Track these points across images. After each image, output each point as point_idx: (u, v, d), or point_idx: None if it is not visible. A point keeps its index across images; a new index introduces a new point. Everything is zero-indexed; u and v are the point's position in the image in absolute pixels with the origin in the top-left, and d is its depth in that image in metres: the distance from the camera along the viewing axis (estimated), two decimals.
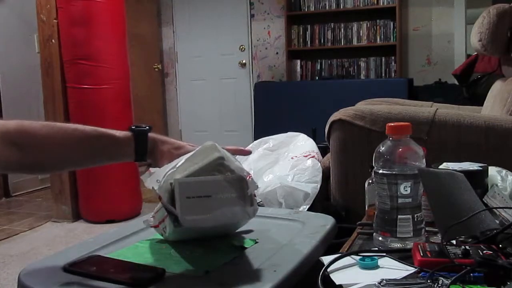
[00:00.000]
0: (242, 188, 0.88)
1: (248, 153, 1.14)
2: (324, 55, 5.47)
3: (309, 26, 5.47)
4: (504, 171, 1.19)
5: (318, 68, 5.50)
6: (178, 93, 6.25)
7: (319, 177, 1.76)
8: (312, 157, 1.88)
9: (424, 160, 0.90)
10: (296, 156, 1.88)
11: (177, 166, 0.88)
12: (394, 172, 0.88)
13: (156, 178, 0.88)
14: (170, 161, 0.95)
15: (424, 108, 1.68)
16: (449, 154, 1.49)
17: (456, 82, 4.50)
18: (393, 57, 5.14)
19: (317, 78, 5.45)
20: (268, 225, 1.11)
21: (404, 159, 0.88)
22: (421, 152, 0.90)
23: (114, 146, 1.01)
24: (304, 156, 1.86)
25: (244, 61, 5.88)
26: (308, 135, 2.27)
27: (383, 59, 5.21)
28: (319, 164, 1.84)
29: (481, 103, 2.30)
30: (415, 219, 0.88)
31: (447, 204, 0.93)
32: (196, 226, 0.85)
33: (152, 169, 0.96)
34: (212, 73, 6.02)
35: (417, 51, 5.23)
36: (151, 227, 1.02)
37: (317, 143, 2.37)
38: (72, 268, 0.83)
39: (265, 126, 5.07)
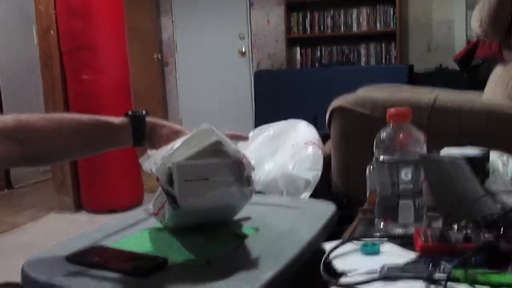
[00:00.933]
0: (239, 170, 0.90)
1: (246, 138, 1.15)
2: (324, 42, 5.44)
3: (308, 13, 5.44)
4: (505, 156, 1.19)
5: (318, 55, 5.47)
6: (178, 83, 6.23)
7: (320, 165, 1.76)
8: (313, 144, 1.87)
9: (425, 146, 0.90)
10: (297, 144, 1.88)
11: (174, 148, 0.89)
12: (395, 159, 0.88)
13: (153, 161, 0.90)
14: (168, 144, 0.95)
15: (425, 94, 1.67)
16: (450, 139, 1.48)
17: (457, 68, 4.49)
18: (393, 44, 5.12)
19: (317, 65, 5.43)
20: (269, 213, 1.11)
21: (405, 145, 0.88)
22: (422, 138, 0.90)
23: (112, 133, 1.02)
24: (305, 144, 1.86)
25: (243, 50, 5.86)
26: (309, 123, 2.25)
27: (383, 46, 5.19)
28: (320, 151, 1.84)
29: (482, 89, 2.29)
30: (417, 205, 0.89)
31: (448, 189, 0.92)
32: (194, 208, 0.87)
33: (150, 152, 0.97)
34: (211, 62, 6.00)
35: (417, 37, 5.20)
36: (151, 214, 1.03)
37: (318, 131, 2.36)
38: (75, 258, 0.84)
39: (265, 114, 5.06)
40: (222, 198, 0.88)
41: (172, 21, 6.13)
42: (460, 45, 4.96)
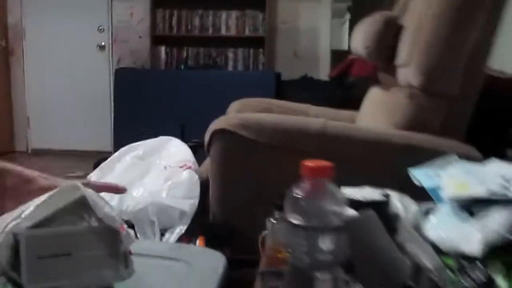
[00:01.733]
0: (113, 242, 0.68)
1: (123, 191, 0.91)
2: (191, 43, 5.23)
3: (175, 10, 5.18)
4: (404, 198, 1.12)
5: (185, 56, 5.26)
6: (25, 75, 5.59)
7: (196, 192, 1.57)
8: (189, 167, 1.68)
9: (346, 206, 0.76)
10: (170, 166, 1.67)
11: (23, 215, 0.65)
12: (313, 225, 0.72)
13: None
14: (16, 199, 0.71)
15: (313, 119, 1.57)
16: (338, 168, 1.40)
17: (322, 78, 4.61)
18: (261, 50, 5.08)
19: (183, 67, 5.20)
20: (145, 268, 0.89)
21: (326, 208, 0.73)
22: (343, 197, 0.76)
23: None
24: (180, 167, 1.66)
25: (103, 43, 5.44)
26: (175, 131, 2.09)
27: (251, 51, 5.13)
28: (196, 176, 1.65)
29: (355, 107, 2.29)
30: (336, 279, 0.74)
31: (366, 252, 0.81)
32: None
33: None
34: (66, 54, 5.47)
35: (284, 44, 5.23)
36: None
37: (186, 141, 2.21)
38: None
39: (125, 117, 4.71)
40: (89, 281, 0.66)
41: (20, 4, 5.48)
42: (325, 55, 5.09)
